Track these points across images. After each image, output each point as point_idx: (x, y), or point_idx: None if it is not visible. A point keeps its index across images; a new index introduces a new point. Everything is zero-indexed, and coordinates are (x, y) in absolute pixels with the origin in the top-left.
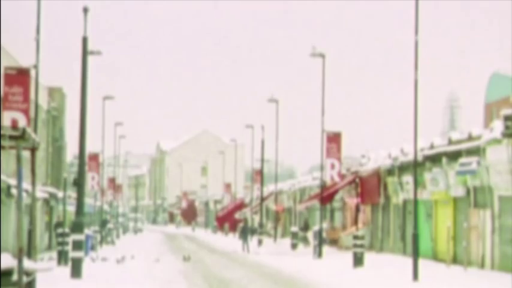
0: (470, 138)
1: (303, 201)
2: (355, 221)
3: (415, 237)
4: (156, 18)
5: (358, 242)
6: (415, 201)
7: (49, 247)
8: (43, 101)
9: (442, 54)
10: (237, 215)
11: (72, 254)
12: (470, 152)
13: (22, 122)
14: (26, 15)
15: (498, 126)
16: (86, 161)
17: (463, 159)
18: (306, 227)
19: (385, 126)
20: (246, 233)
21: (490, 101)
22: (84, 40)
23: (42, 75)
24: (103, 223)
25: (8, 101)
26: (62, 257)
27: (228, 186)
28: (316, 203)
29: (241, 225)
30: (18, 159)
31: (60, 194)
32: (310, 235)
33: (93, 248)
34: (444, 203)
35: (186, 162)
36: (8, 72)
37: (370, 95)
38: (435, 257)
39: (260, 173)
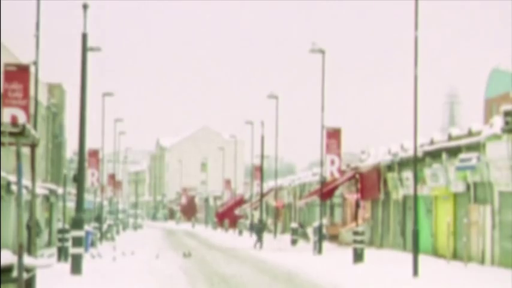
0: (470, 134)
1: (302, 197)
2: (355, 217)
3: (415, 233)
4: (155, 14)
5: (358, 237)
6: (415, 197)
7: (49, 243)
8: (43, 97)
9: (442, 50)
10: (237, 211)
11: (72, 250)
12: (470, 147)
13: (22, 118)
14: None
15: (498, 121)
16: (86, 157)
17: (463, 155)
18: (301, 225)
19: (385, 122)
20: (260, 230)
21: (490, 96)
22: (84, 36)
23: (42, 71)
24: (97, 218)
25: (8, 98)
26: (62, 254)
27: (227, 182)
28: (316, 199)
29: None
30: (18, 155)
31: (60, 191)
32: (309, 231)
33: (93, 244)
34: (444, 198)
35: (185, 158)
36: (8, 68)
37: (370, 91)
38: (435, 252)
39: (260, 169)
